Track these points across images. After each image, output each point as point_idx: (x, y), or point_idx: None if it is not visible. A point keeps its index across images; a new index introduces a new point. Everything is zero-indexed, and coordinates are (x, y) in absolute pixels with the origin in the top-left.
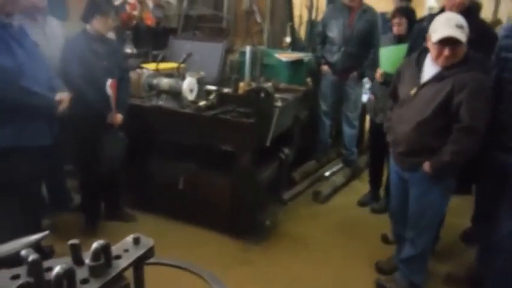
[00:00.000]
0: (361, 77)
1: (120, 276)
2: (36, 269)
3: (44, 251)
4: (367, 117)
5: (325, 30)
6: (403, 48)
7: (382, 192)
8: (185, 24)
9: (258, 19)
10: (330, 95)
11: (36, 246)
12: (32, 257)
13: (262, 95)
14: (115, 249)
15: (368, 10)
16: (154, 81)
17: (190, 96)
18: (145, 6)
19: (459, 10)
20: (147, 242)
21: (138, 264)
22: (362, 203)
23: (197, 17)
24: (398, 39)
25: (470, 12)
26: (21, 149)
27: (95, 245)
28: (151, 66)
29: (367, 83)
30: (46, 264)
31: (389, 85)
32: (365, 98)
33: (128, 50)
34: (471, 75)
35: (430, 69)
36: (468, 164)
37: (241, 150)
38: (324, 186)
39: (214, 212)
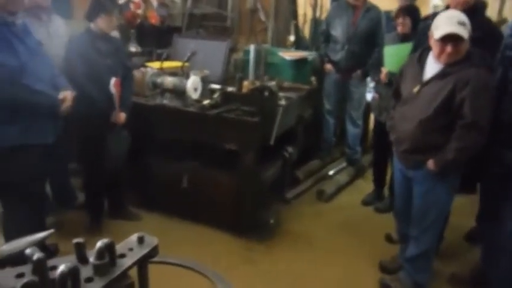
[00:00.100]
0: (364, 75)
1: (124, 274)
2: (40, 268)
3: (48, 250)
4: (372, 116)
5: (328, 28)
6: (407, 47)
7: (386, 191)
8: (189, 23)
9: (262, 17)
10: (334, 93)
11: (40, 245)
12: (37, 255)
13: (266, 93)
14: (119, 248)
15: (372, 8)
16: (159, 79)
17: (194, 95)
18: (149, 4)
19: (463, 8)
20: (152, 240)
21: (143, 263)
22: (366, 202)
23: (201, 15)
24: (403, 38)
25: (476, 10)
26: (27, 147)
27: (99, 243)
28: (156, 64)
29: (370, 82)
30: (50, 262)
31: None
32: (369, 96)
33: (132, 48)
34: (473, 72)
35: (432, 67)
36: (472, 162)
37: (245, 148)
38: (328, 185)
39: (218, 211)
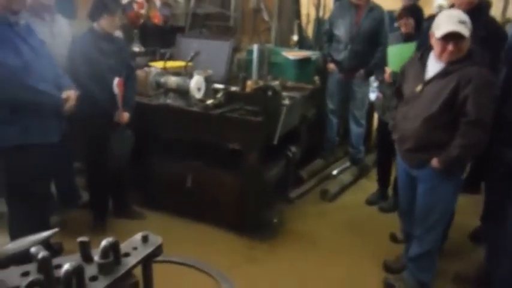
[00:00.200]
0: (368, 75)
1: (129, 273)
2: (45, 266)
3: (53, 248)
4: (375, 116)
5: (332, 28)
6: (411, 46)
7: (390, 191)
8: (192, 23)
9: (266, 17)
10: (337, 93)
11: (45, 244)
12: (42, 254)
13: (270, 93)
14: (124, 247)
15: (375, 8)
16: (162, 79)
17: (198, 95)
18: (152, 4)
19: (468, 8)
20: (156, 240)
21: (147, 262)
22: (370, 202)
23: (204, 15)
24: (406, 38)
25: (481, 9)
26: (30, 147)
27: (104, 242)
28: (159, 64)
29: (374, 82)
30: (55, 261)
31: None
32: (373, 96)
33: (136, 48)
34: (475, 70)
35: (434, 66)
36: (477, 162)
37: (249, 148)
38: (332, 184)
39: (221, 210)
